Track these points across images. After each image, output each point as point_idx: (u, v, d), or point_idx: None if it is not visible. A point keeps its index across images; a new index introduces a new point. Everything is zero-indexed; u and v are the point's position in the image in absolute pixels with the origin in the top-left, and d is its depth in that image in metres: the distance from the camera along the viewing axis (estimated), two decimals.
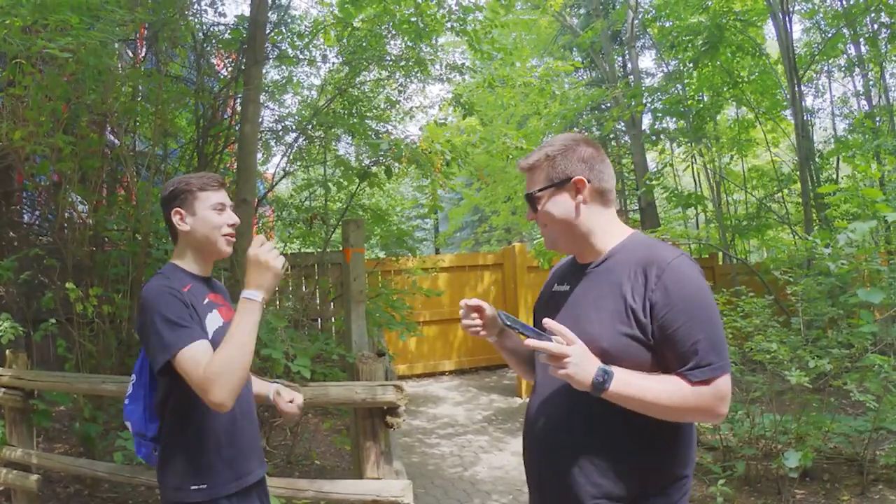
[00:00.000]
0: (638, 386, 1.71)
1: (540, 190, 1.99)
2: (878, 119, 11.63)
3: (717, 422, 1.82)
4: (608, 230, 1.99)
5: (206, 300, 2.39)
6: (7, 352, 4.97)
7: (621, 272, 1.86)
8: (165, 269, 2.42)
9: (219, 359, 2.08)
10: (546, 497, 1.97)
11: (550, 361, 1.71)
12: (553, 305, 2.05)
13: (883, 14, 10.60)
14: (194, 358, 2.10)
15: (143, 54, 7.84)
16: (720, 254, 12.69)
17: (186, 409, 2.30)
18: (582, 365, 1.69)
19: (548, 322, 1.73)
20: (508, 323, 1.83)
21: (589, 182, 1.95)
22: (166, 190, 2.45)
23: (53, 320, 5.49)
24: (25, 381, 4.76)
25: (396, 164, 6.97)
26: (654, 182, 12.26)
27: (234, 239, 2.49)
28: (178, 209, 2.41)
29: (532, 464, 2.03)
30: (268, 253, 2.14)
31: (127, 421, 2.48)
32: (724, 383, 1.74)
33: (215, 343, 2.25)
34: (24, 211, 7.28)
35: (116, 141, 6.46)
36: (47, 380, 4.79)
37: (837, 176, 11.89)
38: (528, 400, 2.12)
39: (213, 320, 2.37)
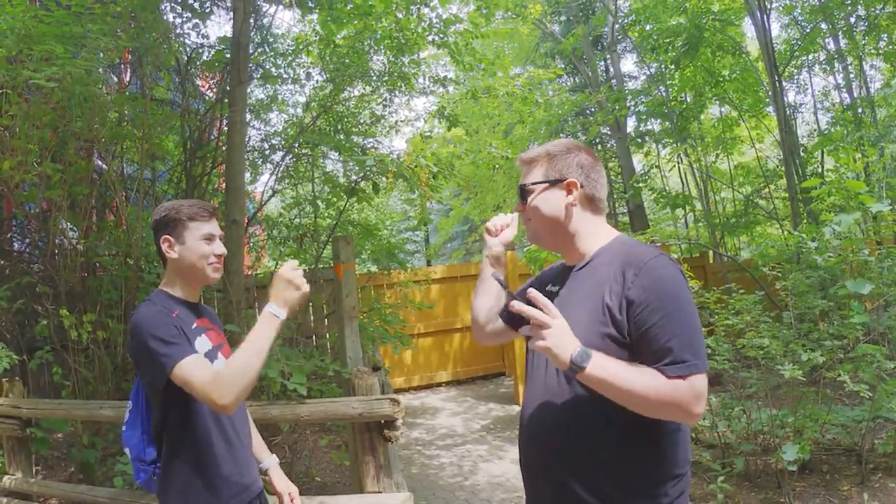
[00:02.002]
0: (615, 372, 1.70)
1: (534, 183, 2.05)
2: (860, 111, 11.74)
3: (691, 422, 1.80)
4: (593, 234, 2.03)
5: (195, 325, 2.42)
6: (2, 381, 4.97)
7: (603, 273, 1.89)
8: (153, 295, 2.44)
9: (234, 363, 2.14)
10: (544, 500, 1.97)
11: (531, 333, 1.71)
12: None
13: (860, 7, 10.72)
14: (193, 367, 2.15)
15: (127, 79, 7.86)
16: (711, 252, 12.75)
17: (183, 431, 2.33)
18: (562, 339, 1.69)
19: (532, 292, 1.73)
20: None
21: (582, 187, 2.01)
22: (157, 214, 2.47)
23: (48, 348, 5.49)
24: (22, 409, 4.76)
25: (383, 179, 7.00)
26: (641, 184, 12.33)
27: (220, 267, 2.53)
28: (168, 237, 2.43)
29: (529, 467, 2.04)
30: (299, 276, 2.20)
31: (126, 447, 2.50)
32: (700, 382, 1.71)
33: None
34: (15, 239, 7.27)
35: (104, 166, 6.47)
36: (45, 408, 4.80)
37: (822, 169, 11.98)
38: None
39: (202, 344, 2.41)
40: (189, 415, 2.32)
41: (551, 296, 2.03)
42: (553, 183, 2.02)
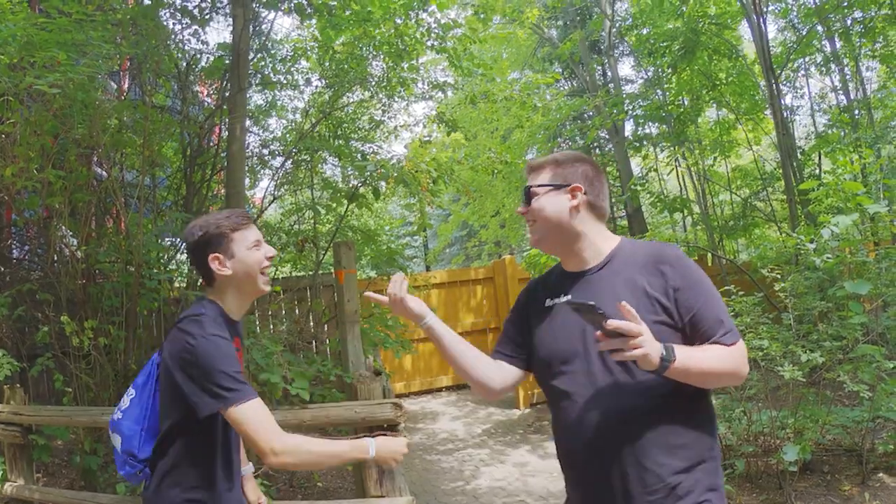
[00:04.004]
0: (695, 357, 1.87)
1: (539, 185, 2.15)
2: (856, 112, 11.77)
3: (740, 382, 2.07)
4: (596, 239, 2.14)
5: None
6: (4, 388, 4.97)
7: (630, 270, 2.05)
8: (210, 310, 2.36)
9: (314, 443, 2.19)
10: (605, 494, 2.01)
11: (622, 345, 1.75)
12: (556, 316, 2.16)
13: (856, 10, 10.75)
14: (255, 411, 2.15)
15: (127, 86, 7.88)
16: (709, 255, 12.76)
17: (192, 444, 2.32)
18: (652, 344, 1.78)
19: (624, 305, 1.77)
20: (591, 303, 1.74)
21: (585, 193, 2.12)
22: (194, 234, 2.38)
23: (49, 354, 5.49)
24: (24, 416, 4.76)
25: (383, 185, 7.02)
26: (639, 188, 12.35)
27: (267, 277, 2.46)
28: (216, 254, 2.35)
29: (586, 464, 2.06)
30: (402, 454, 2.29)
31: (116, 433, 2.45)
32: (743, 344, 1.99)
33: None
34: (14, 246, 7.28)
35: (104, 173, 6.48)
36: (46, 414, 4.80)
37: (820, 171, 11.98)
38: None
39: None
40: (202, 436, 2.31)
41: (563, 306, 2.13)
42: (558, 187, 2.12)
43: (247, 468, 2.79)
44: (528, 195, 2.16)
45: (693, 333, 1.96)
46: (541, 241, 2.18)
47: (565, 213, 2.10)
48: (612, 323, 1.73)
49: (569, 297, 2.12)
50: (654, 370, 1.80)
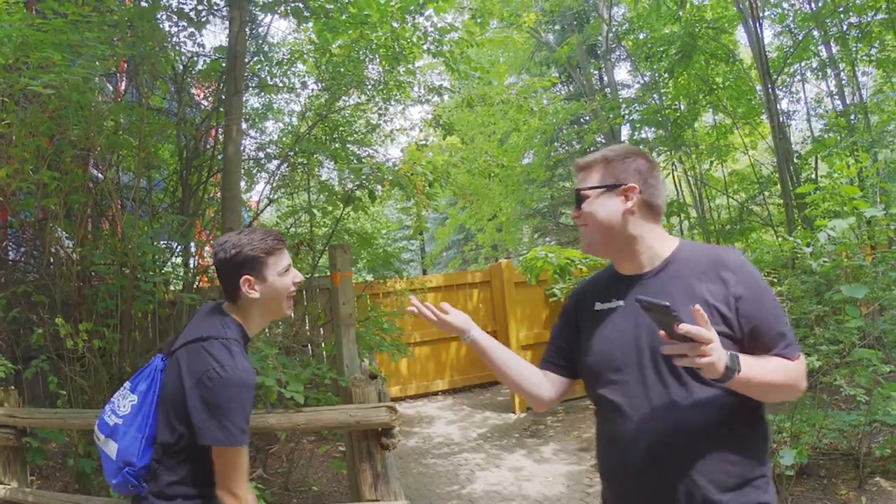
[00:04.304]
0: (758, 368, 1.78)
1: (590, 188, 2.02)
2: (852, 117, 11.80)
3: (797, 397, 1.99)
4: (654, 241, 2.02)
5: None
6: None
7: (689, 276, 1.94)
8: (234, 331, 2.35)
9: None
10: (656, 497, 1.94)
11: (690, 352, 1.66)
12: (608, 322, 2.05)
13: (852, 14, 10.79)
14: (243, 458, 2.24)
15: (123, 87, 7.87)
16: None
17: (200, 463, 2.28)
18: (720, 352, 1.68)
19: (697, 309, 1.66)
20: (666, 304, 1.64)
21: (640, 193, 1.99)
22: (228, 252, 2.33)
23: (44, 357, 5.47)
24: (18, 419, 4.73)
25: (379, 188, 7.01)
26: None
27: (291, 301, 2.46)
28: (248, 276, 2.32)
29: (638, 476, 1.96)
30: None
31: (111, 440, 2.36)
32: (804, 358, 1.92)
33: None
34: (10, 248, 7.25)
35: (100, 175, 6.46)
36: (41, 417, 4.77)
37: (816, 175, 12.01)
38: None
39: None
40: (204, 452, 2.29)
41: (617, 310, 2.03)
42: (610, 188, 1.99)
43: None
44: (579, 198, 2.03)
45: (753, 345, 1.86)
46: (592, 247, 2.06)
47: (618, 217, 1.97)
48: (685, 327, 1.62)
49: (621, 302, 2.02)
50: (719, 379, 1.70)
